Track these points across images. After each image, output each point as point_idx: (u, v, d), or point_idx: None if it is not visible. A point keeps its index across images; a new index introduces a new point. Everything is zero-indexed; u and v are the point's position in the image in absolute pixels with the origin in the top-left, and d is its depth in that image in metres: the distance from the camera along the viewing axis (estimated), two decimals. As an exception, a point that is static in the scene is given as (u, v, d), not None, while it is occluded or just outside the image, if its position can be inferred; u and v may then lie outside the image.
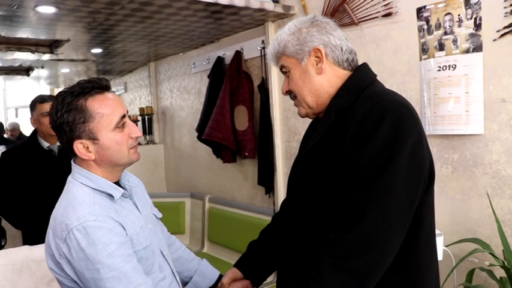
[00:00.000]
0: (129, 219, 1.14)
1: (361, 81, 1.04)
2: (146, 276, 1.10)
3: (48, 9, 2.30)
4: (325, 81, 1.06)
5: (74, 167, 1.16)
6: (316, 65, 1.05)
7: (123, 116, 1.13)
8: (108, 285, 1.01)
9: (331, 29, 1.06)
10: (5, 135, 5.92)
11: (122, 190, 1.16)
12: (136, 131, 1.17)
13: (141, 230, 1.16)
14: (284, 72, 1.12)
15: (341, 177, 0.92)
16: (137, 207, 1.21)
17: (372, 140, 0.87)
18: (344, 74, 1.07)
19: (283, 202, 1.36)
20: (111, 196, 1.13)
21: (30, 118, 2.39)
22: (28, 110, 2.42)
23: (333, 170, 0.95)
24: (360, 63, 1.12)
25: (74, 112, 1.08)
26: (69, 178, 1.17)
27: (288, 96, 1.15)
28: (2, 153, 2.54)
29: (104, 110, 1.10)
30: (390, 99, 0.95)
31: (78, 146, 1.11)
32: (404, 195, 0.88)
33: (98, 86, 1.12)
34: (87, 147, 1.11)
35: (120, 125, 1.12)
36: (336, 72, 1.06)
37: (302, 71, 1.06)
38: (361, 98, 0.99)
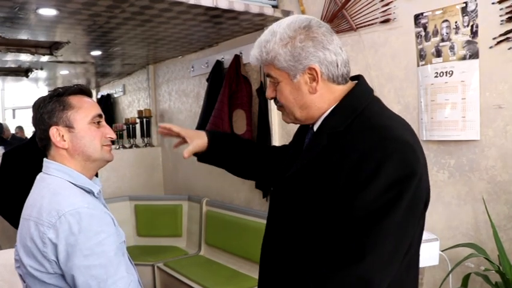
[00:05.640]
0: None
1: (357, 102, 0.96)
2: (128, 273, 1.12)
3: (49, 12, 2.31)
4: (317, 98, 0.97)
5: (48, 163, 1.19)
6: (310, 83, 0.95)
7: (100, 115, 1.21)
8: (94, 272, 1.03)
9: (328, 42, 0.96)
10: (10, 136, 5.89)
11: (98, 187, 1.22)
12: (111, 133, 1.24)
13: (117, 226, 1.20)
14: (270, 80, 1.00)
15: (336, 212, 0.86)
16: (106, 207, 1.25)
17: (374, 183, 0.82)
18: (338, 90, 0.98)
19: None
20: (88, 192, 1.17)
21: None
22: (26, 110, 2.43)
23: (324, 201, 0.89)
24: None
25: (54, 102, 1.16)
26: (42, 175, 1.20)
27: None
28: (3, 153, 2.55)
29: (82, 104, 1.19)
30: (393, 136, 0.87)
31: (53, 132, 1.15)
32: (402, 238, 0.86)
33: (79, 89, 1.21)
34: (62, 136, 1.16)
35: (96, 122, 1.20)
36: (329, 88, 0.97)
37: (293, 88, 0.96)
38: (357, 122, 0.92)
